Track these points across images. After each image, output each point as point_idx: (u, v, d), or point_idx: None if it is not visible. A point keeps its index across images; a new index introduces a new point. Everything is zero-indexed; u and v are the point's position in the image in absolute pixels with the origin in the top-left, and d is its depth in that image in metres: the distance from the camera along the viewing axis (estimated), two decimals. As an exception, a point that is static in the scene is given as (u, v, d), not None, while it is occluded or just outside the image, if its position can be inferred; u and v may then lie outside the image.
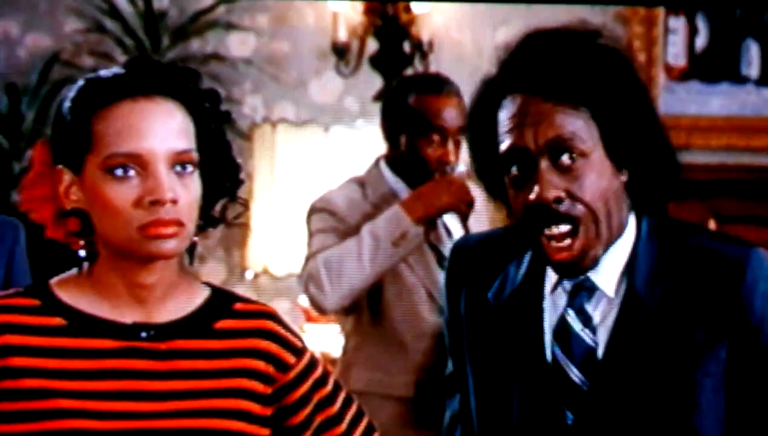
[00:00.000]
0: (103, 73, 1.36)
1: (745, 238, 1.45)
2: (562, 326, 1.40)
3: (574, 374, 1.39)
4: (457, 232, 2.58)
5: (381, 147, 2.68)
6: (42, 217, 1.38)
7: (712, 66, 3.86)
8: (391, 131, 2.56)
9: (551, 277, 1.42)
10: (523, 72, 1.38)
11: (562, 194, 1.36)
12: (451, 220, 2.60)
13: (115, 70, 1.36)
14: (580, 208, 1.36)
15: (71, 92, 1.36)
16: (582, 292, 1.40)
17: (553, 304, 1.41)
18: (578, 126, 1.36)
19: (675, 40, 3.88)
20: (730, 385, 1.37)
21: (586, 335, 1.39)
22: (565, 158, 1.36)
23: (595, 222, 1.37)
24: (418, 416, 2.48)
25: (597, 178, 1.36)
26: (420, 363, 2.50)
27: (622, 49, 1.42)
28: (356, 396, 1.49)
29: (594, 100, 1.36)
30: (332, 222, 2.52)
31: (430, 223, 2.47)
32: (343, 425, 1.43)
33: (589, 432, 1.37)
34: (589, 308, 1.40)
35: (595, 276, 1.40)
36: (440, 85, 2.57)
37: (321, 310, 2.57)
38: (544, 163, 1.36)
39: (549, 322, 1.41)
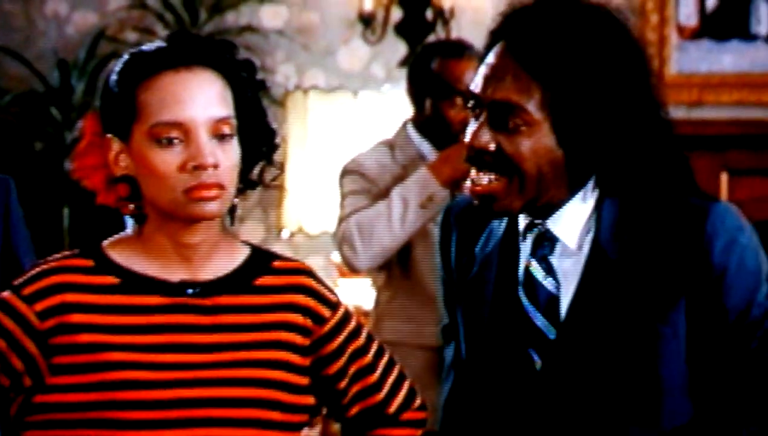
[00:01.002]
0: (147, 47, 1.36)
1: (756, 189, 1.41)
2: (526, 274, 1.39)
3: (540, 321, 1.37)
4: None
5: (407, 110, 2.66)
6: (93, 184, 1.39)
7: (723, 25, 3.80)
8: (416, 95, 2.55)
9: (521, 227, 1.40)
10: (509, 24, 1.35)
11: (491, 147, 1.34)
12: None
13: (158, 43, 1.36)
14: (506, 164, 1.33)
15: (117, 66, 1.37)
16: (544, 242, 1.38)
17: (524, 253, 1.40)
18: (531, 98, 1.32)
19: (686, 1, 3.82)
20: (690, 333, 1.34)
21: (548, 283, 1.38)
22: (506, 120, 1.33)
23: (521, 181, 1.33)
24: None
25: (533, 145, 1.32)
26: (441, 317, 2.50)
27: (619, 29, 1.35)
28: (389, 346, 1.49)
29: (549, 83, 1.31)
30: (363, 184, 2.52)
31: (455, 184, 2.46)
32: (376, 374, 1.44)
33: (556, 379, 1.35)
34: (552, 258, 1.38)
35: (554, 227, 1.38)
36: (461, 50, 2.55)
37: (354, 269, 2.57)
38: (485, 116, 1.35)
39: (521, 271, 1.40)
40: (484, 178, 1.35)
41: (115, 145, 1.36)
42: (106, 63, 3.91)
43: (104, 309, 1.34)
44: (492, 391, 1.39)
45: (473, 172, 1.37)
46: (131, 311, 1.35)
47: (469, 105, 1.38)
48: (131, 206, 1.37)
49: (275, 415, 1.35)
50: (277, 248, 1.51)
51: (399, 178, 2.52)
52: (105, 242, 1.39)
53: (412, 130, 2.59)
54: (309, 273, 1.43)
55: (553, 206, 1.37)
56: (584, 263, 1.37)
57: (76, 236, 3.83)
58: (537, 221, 1.39)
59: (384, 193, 2.50)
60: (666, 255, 1.35)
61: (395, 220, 2.46)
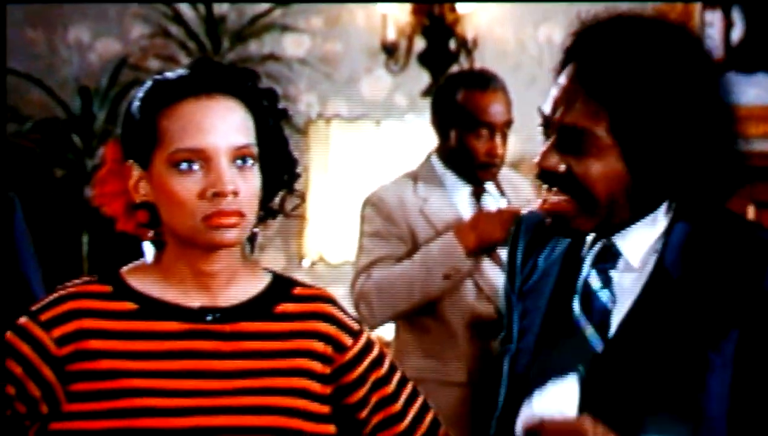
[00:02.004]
0: (169, 74, 1.38)
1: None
2: (585, 284, 1.39)
3: (589, 332, 1.37)
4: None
5: (430, 140, 2.67)
6: (113, 210, 1.39)
7: (748, 57, 3.80)
8: (441, 126, 2.55)
9: (588, 242, 1.41)
10: (580, 48, 1.36)
11: (561, 169, 1.34)
12: (495, 206, 2.58)
13: (180, 71, 1.38)
14: (576, 185, 1.34)
15: (140, 93, 1.38)
16: (607, 255, 1.38)
17: (586, 266, 1.40)
18: (600, 124, 1.32)
19: (711, 33, 3.81)
20: (737, 368, 1.33)
21: (604, 295, 1.38)
22: (575, 143, 1.34)
23: (592, 203, 1.34)
24: (473, 400, 2.48)
25: (603, 168, 1.33)
26: (471, 350, 2.49)
27: (692, 50, 1.34)
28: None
29: (615, 113, 1.32)
30: (383, 225, 2.52)
31: (481, 252, 2.46)
32: (399, 403, 1.43)
33: (597, 392, 1.34)
34: (612, 272, 1.38)
35: (621, 242, 1.38)
36: (486, 82, 2.56)
37: (368, 325, 2.57)
38: (553, 138, 1.35)
39: (580, 282, 1.40)
40: (554, 198, 1.36)
41: (136, 172, 1.37)
42: (127, 91, 3.94)
43: (122, 335, 1.34)
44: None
45: (544, 190, 1.37)
46: (150, 336, 1.35)
47: (539, 126, 1.38)
48: (151, 233, 1.37)
49: (295, 444, 1.34)
50: (297, 276, 1.51)
51: (420, 212, 2.51)
52: (123, 269, 1.40)
53: (436, 161, 2.59)
54: (330, 300, 1.42)
55: (623, 225, 1.37)
56: (645, 281, 1.37)
57: (95, 263, 3.84)
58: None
59: (404, 234, 2.50)
60: (727, 284, 1.35)
61: (416, 289, 2.47)
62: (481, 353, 2.50)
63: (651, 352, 1.35)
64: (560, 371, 1.36)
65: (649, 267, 1.37)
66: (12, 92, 4.18)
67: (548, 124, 1.37)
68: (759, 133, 3.79)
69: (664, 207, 1.38)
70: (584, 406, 1.34)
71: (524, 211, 2.42)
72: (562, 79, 1.36)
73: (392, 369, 1.44)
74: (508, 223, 2.41)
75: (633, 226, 1.37)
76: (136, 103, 1.37)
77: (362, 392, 1.41)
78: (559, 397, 1.30)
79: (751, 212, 3.62)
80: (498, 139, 2.50)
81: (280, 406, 1.35)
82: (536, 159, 1.37)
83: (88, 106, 4.10)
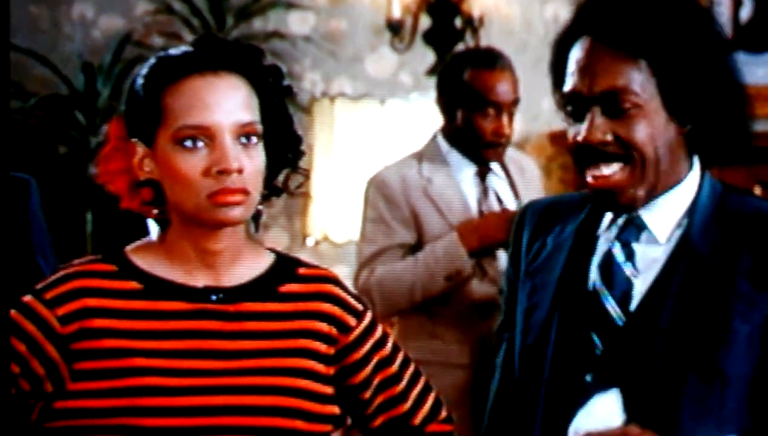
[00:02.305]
0: (173, 51, 1.37)
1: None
2: (606, 257, 1.39)
3: (611, 305, 1.38)
4: (509, 201, 2.56)
5: (434, 119, 2.66)
6: (117, 188, 1.39)
7: (757, 37, 3.77)
8: (448, 106, 2.54)
9: (608, 217, 1.41)
10: (592, 16, 1.37)
11: (609, 138, 1.35)
12: (502, 188, 2.57)
13: (184, 48, 1.37)
14: (626, 150, 1.35)
15: (143, 70, 1.37)
16: (632, 228, 1.39)
17: (606, 240, 1.40)
18: (635, 78, 1.34)
19: (720, 12, 3.79)
20: (766, 339, 1.34)
21: (627, 267, 1.38)
22: (617, 107, 1.35)
23: (642, 165, 1.35)
24: (475, 382, 2.49)
25: (648, 126, 1.35)
26: (474, 332, 2.49)
27: (701, 6, 1.38)
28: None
29: (653, 55, 1.34)
30: (386, 210, 2.51)
31: (483, 252, 2.46)
32: (402, 384, 1.44)
33: (616, 366, 1.34)
34: (636, 245, 1.39)
35: (646, 216, 1.39)
36: (493, 60, 2.54)
37: None
38: (595, 109, 1.36)
39: (598, 256, 1.40)
40: (607, 170, 1.37)
41: (140, 150, 1.36)
42: (131, 67, 3.93)
43: (127, 314, 1.34)
44: (548, 376, 1.38)
45: (593, 167, 1.37)
46: (154, 316, 1.35)
47: (568, 108, 1.39)
48: (155, 211, 1.37)
49: (299, 424, 1.34)
50: (301, 256, 1.51)
51: (424, 193, 2.51)
52: (128, 247, 1.40)
53: (441, 140, 2.59)
54: (334, 281, 1.42)
55: (652, 196, 1.38)
56: (669, 253, 1.38)
57: (99, 241, 3.84)
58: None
59: (407, 217, 2.49)
60: (755, 258, 1.35)
61: (418, 290, 2.48)
62: (485, 335, 2.50)
63: (674, 325, 1.35)
64: (574, 342, 1.36)
65: (673, 241, 1.38)
66: (15, 69, 4.17)
67: (580, 102, 1.37)
68: (766, 113, 3.78)
69: (691, 180, 1.39)
70: (601, 380, 1.34)
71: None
72: (580, 54, 1.37)
73: (395, 350, 1.44)
74: (511, 223, 2.41)
75: (660, 197, 1.38)
76: (140, 81, 1.36)
77: (365, 372, 1.41)
78: (604, 411, 1.30)
79: (757, 193, 3.61)
80: (505, 119, 2.49)
81: (283, 386, 1.35)
82: (580, 137, 1.37)
83: (91, 83, 4.09)
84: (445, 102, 2.55)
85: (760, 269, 1.35)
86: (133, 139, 1.37)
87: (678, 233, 1.38)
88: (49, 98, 4.11)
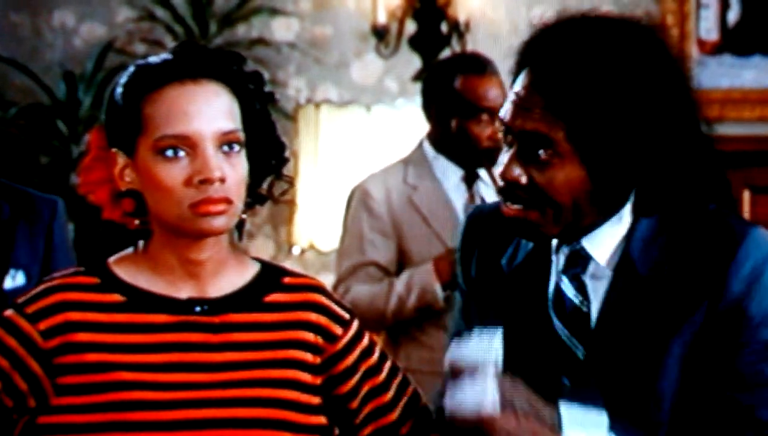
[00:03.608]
0: (152, 59, 1.36)
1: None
2: (556, 292, 1.38)
3: (569, 340, 1.37)
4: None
5: (421, 125, 2.66)
6: (99, 199, 1.38)
7: (745, 40, 3.79)
8: (439, 115, 2.54)
9: (554, 245, 1.40)
10: (533, 54, 1.35)
11: (523, 180, 1.34)
12: (489, 194, 2.58)
13: (164, 56, 1.36)
14: (539, 196, 1.34)
15: (123, 78, 1.36)
16: (578, 260, 1.38)
17: (556, 271, 1.40)
18: (558, 129, 1.32)
19: (707, 15, 3.81)
20: (690, 355, 1.33)
21: (577, 299, 1.37)
22: (536, 151, 1.33)
23: (557, 211, 1.34)
24: None
25: (565, 177, 1.33)
26: None
27: (650, 44, 1.33)
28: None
29: (573, 118, 1.31)
30: (366, 222, 2.52)
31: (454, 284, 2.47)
32: (390, 393, 1.43)
33: (582, 399, 1.34)
34: (584, 277, 1.37)
35: (588, 245, 1.37)
36: (483, 66, 2.55)
37: None
38: (514, 148, 1.35)
39: (550, 289, 1.39)
40: (514, 207, 1.36)
41: (121, 160, 1.36)
42: (113, 76, 3.92)
43: (110, 328, 1.34)
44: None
45: (506, 203, 1.37)
46: (138, 329, 1.34)
47: (500, 131, 1.38)
48: (137, 222, 1.36)
49: (287, 435, 1.34)
50: (287, 265, 1.50)
51: (408, 201, 2.51)
52: (111, 259, 1.39)
53: (427, 147, 2.59)
54: (320, 290, 1.42)
55: (589, 228, 1.37)
56: (610, 278, 1.37)
57: (81, 252, 3.83)
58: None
59: (387, 229, 2.50)
60: (692, 272, 1.34)
61: (389, 314, 2.49)
62: None
63: (625, 347, 1.34)
64: (544, 379, 1.35)
65: (613, 263, 1.37)
66: (-4, 78, 4.16)
67: (508, 131, 1.37)
68: (754, 116, 3.79)
69: (628, 206, 1.37)
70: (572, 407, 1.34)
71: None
72: (518, 87, 1.36)
73: (383, 358, 1.44)
74: None
75: (599, 228, 1.37)
76: (119, 90, 1.36)
77: (353, 381, 1.41)
78: (482, 345, 1.30)
79: (746, 197, 3.62)
80: (498, 124, 2.50)
81: (270, 397, 1.34)
82: (497, 171, 1.37)
83: (73, 92, 4.08)
84: (437, 111, 2.55)
85: (695, 283, 1.33)
86: (114, 149, 1.36)
87: (617, 257, 1.37)
88: (31, 107, 4.10)
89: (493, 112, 2.50)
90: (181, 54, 1.35)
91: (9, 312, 1.35)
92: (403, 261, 2.53)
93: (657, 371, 1.33)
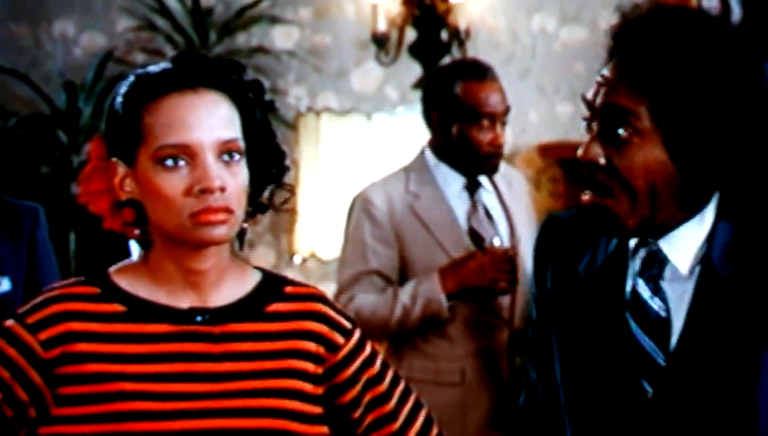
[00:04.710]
0: (152, 68, 1.36)
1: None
2: (633, 294, 1.36)
3: (648, 345, 1.35)
4: (498, 215, 2.55)
5: (421, 132, 2.66)
6: (99, 208, 1.38)
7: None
8: (440, 121, 2.54)
9: (632, 244, 1.38)
10: (621, 41, 1.35)
11: (602, 161, 1.32)
12: (491, 202, 2.57)
13: (163, 65, 1.36)
14: (615, 178, 1.32)
15: (122, 88, 1.36)
16: (654, 262, 1.36)
17: (632, 274, 1.38)
18: (640, 105, 1.31)
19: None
20: None
21: (656, 304, 1.35)
22: (617, 128, 1.32)
23: (633, 197, 1.32)
24: (466, 401, 2.48)
25: (644, 158, 1.31)
26: (464, 351, 2.49)
27: (730, 40, 1.33)
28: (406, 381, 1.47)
29: (659, 97, 1.30)
30: (368, 230, 2.52)
31: (460, 294, 2.46)
32: (392, 403, 1.43)
33: (668, 408, 1.32)
34: (662, 281, 1.35)
35: (667, 248, 1.35)
36: (483, 72, 2.55)
37: None
38: (595, 126, 1.34)
39: (627, 292, 1.37)
40: (585, 197, 1.34)
41: (121, 169, 1.35)
42: (113, 85, 3.92)
43: (111, 338, 1.33)
44: (599, 418, 1.36)
45: (584, 191, 1.35)
46: (138, 339, 1.33)
47: (583, 118, 1.37)
48: (137, 231, 1.36)
49: (287, 446, 1.33)
50: (288, 273, 1.50)
51: (410, 209, 2.51)
52: (111, 269, 1.38)
53: (429, 154, 2.58)
54: (322, 299, 1.41)
55: (668, 227, 1.35)
56: (695, 285, 1.34)
57: (82, 261, 3.83)
58: (649, 240, 1.36)
59: (389, 237, 2.49)
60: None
61: (393, 323, 2.48)
62: (476, 353, 2.50)
63: (714, 359, 1.32)
64: (625, 387, 1.33)
65: (697, 271, 1.34)
66: (-4, 88, 4.17)
67: (591, 110, 1.35)
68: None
69: (710, 208, 1.35)
70: (655, 422, 1.32)
71: (515, 248, 2.43)
72: (606, 71, 1.35)
73: (384, 367, 1.43)
74: (492, 267, 2.42)
75: (678, 229, 1.34)
76: (119, 99, 1.35)
77: (355, 391, 1.40)
78: None
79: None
80: (499, 129, 2.51)
81: (271, 408, 1.34)
82: (579, 153, 1.35)
83: (73, 102, 4.08)
84: (438, 117, 2.55)
85: None
86: (114, 159, 1.36)
87: (699, 267, 1.35)
88: (31, 117, 4.10)
89: (494, 118, 2.50)
90: (181, 63, 1.35)
91: (9, 322, 1.34)
92: (405, 269, 2.53)
93: (751, 385, 1.30)
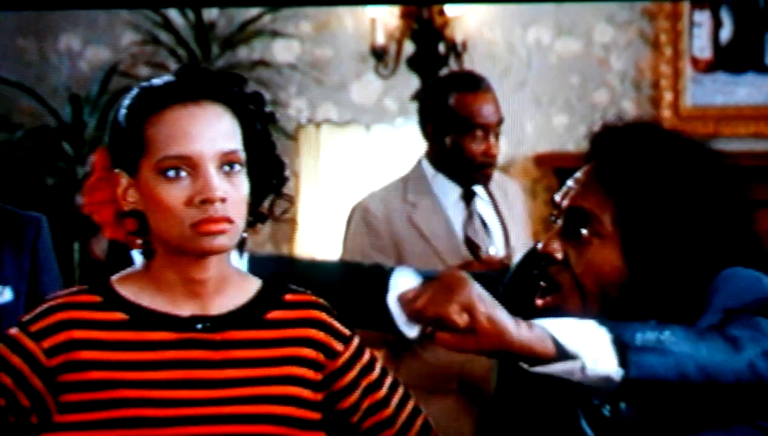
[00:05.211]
0: (155, 81, 1.36)
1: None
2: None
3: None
4: (494, 225, 2.56)
5: (420, 143, 2.66)
6: (103, 218, 1.38)
7: (737, 57, 3.80)
8: (435, 132, 2.55)
9: None
10: (598, 146, 1.40)
11: (559, 256, 1.36)
12: (487, 212, 2.58)
13: (166, 78, 1.36)
14: (568, 278, 1.36)
15: (126, 100, 1.36)
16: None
17: None
18: (605, 210, 1.35)
19: (700, 33, 3.82)
20: None
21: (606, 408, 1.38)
22: (580, 228, 1.36)
23: (582, 295, 1.36)
24: (463, 409, 2.48)
25: (600, 259, 1.35)
26: (461, 359, 2.49)
27: (707, 164, 1.38)
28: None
29: (623, 198, 1.35)
30: (367, 239, 2.52)
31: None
32: (390, 408, 1.43)
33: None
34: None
35: None
36: (477, 83, 2.56)
37: None
38: (560, 222, 1.38)
39: None
40: (540, 301, 1.37)
41: (123, 180, 1.36)
42: (118, 98, 3.92)
43: (113, 346, 1.33)
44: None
45: (542, 284, 1.39)
46: (140, 347, 1.34)
47: (550, 215, 1.41)
48: (139, 241, 1.36)
49: (286, 451, 1.33)
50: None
51: (408, 220, 2.51)
52: (113, 278, 1.39)
53: (426, 165, 2.59)
54: (321, 306, 1.41)
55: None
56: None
57: (86, 271, 3.83)
58: None
59: (387, 247, 2.49)
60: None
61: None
62: (472, 361, 2.50)
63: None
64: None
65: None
66: (3, 101, 4.17)
67: (558, 209, 1.39)
68: (749, 132, 3.79)
69: None
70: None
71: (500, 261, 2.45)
72: (579, 173, 1.40)
73: (383, 374, 1.44)
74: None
75: None
76: (122, 111, 1.36)
77: (354, 397, 1.40)
78: (404, 283, 1.34)
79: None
80: (492, 139, 2.51)
81: (271, 414, 1.34)
82: (540, 245, 1.39)
83: (78, 114, 4.09)
84: (432, 128, 2.55)
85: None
86: (117, 170, 1.36)
87: None
88: (37, 130, 4.11)
89: (487, 129, 2.51)
90: (183, 76, 1.35)
91: (13, 331, 1.34)
92: None
93: None
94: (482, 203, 2.58)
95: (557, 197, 1.40)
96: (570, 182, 1.39)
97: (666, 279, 1.34)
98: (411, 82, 3.83)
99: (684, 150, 1.38)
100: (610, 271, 1.35)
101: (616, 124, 1.41)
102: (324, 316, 1.40)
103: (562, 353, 1.23)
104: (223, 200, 1.31)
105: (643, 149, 1.37)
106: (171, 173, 1.32)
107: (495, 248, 2.51)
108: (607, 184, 1.35)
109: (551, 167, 4.16)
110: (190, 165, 1.32)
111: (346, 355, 1.40)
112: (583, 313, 1.34)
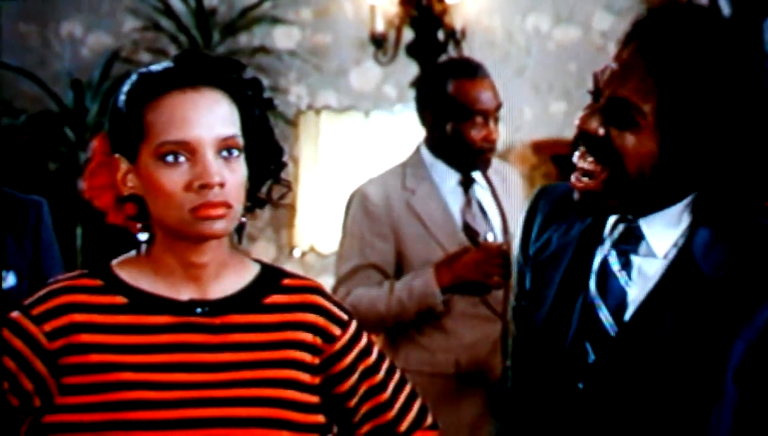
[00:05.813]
0: (154, 67, 1.36)
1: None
2: (602, 265, 1.36)
3: (604, 315, 1.35)
4: (492, 211, 2.55)
5: (418, 130, 2.66)
6: (103, 203, 1.38)
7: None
8: (434, 120, 2.54)
9: (611, 221, 1.38)
10: (644, 28, 1.34)
11: (601, 132, 1.33)
12: (485, 198, 2.57)
13: (165, 64, 1.36)
14: (610, 153, 1.32)
15: (125, 86, 1.36)
16: (630, 238, 1.36)
17: (605, 247, 1.38)
18: (648, 101, 1.31)
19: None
20: (744, 376, 1.30)
21: (622, 277, 1.35)
22: (620, 115, 1.32)
23: (620, 177, 1.33)
24: (461, 390, 2.48)
25: (639, 143, 1.31)
26: (459, 342, 2.49)
27: (752, 49, 1.33)
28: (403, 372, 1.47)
29: (667, 88, 1.30)
30: (366, 225, 2.52)
31: (454, 288, 2.45)
32: (387, 392, 1.43)
33: (607, 376, 1.32)
34: (633, 256, 1.35)
35: (645, 226, 1.36)
36: (474, 70, 2.55)
37: None
38: (600, 103, 1.34)
39: (596, 262, 1.37)
40: (587, 165, 1.34)
41: (123, 165, 1.36)
42: (119, 84, 3.92)
43: (113, 329, 1.33)
44: (540, 380, 1.36)
45: (579, 153, 1.35)
46: (140, 330, 1.34)
47: (589, 92, 1.37)
48: (139, 226, 1.36)
49: (285, 434, 1.33)
50: (288, 267, 1.50)
51: (407, 206, 2.51)
52: (114, 262, 1.39)
53: (425, 151, 2.58)
54: (319, 291, 1.42)
55: (648, 210, 1.35)
56: (667, 268, 1.34)
57: (88, 255, 3.83)
58: (629, 217, 1.36)
59: (386, 232, 2.49)
60: (754, 281, 1.31)
61: (389, 319, 2.48)
62: (470, 344, 2.50)
63: (668, 339, 1.31)
64: (569, 351, 1.34)
65: (671, 257, 1.34)
66: (5, 86, 4.16)
67: (599, 92, 1.35)
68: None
69: (686, 208, 1.35)
70: (591, 389, 1.32)
71: (510, 245, 2.44)
72: (622, 55, 1.34)
73: (380, 358, 1.44)
74: (485, 262, 2.43)
75: (657, 213, 1.35)
76: (122, 97, 1.36)
77: (351, 381, 1.40)
78: None
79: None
80: (492, 125, 2.51)
81: (269, 397, 1.34)
82: (577, 120, 1.36)
83: (80, 100, 4.09)
84: (432, 115, 2.55)
85: (752, 297, 1.30)
86: (117, 155, 1.36)
87: (674, 251, 1.35)
88: (39, 115, 4.10)
89: (486, 114, 2.50)
90: (182, 62, 1.35)
91: (15, 314, 1.34)
92: (401, 263, 2.53)
93: (721, 369, 1.29)
94: (481, 190, 2.57)
95: (600, 79, 1.33)
96: (613, 65, 1.34)
97: (702, 168, 1.31)
98: (410, 69, 3.82)
99: (725, 34, 1.32)
100: (649, 157, 1.31)
101: (662, 6, 1.35)
102: (322, 300, 1.40)
103: None
104: (221, 185, 1.31)
105: (687, 33, 1.31)
106: (170, 158, 1.31)
107: (493, 234, 2.51)
108: (652, 67, 1.30)
109: (549, 154, 4.16)
110: (189, 150, 1.32)
111: (344, 339, 1.40)
112: (618, 196, 1.33)
